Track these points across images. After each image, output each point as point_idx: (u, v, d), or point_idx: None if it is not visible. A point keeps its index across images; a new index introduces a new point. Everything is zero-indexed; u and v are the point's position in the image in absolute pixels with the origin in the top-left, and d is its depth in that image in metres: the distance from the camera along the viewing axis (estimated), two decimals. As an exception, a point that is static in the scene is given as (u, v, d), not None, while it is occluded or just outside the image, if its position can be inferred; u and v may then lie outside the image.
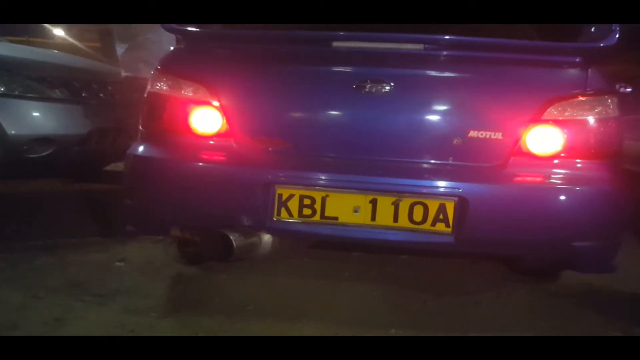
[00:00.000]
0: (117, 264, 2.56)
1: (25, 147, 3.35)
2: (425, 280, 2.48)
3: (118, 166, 4.54)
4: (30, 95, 3.38)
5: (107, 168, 4.83)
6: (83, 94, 3.72)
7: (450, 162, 1.91)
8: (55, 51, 4.81)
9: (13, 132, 3.23)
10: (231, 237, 1.91)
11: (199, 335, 1.84)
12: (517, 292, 2.42)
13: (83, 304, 2.09)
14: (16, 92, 3.34)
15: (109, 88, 4.00)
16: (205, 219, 2.01)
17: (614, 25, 1.91)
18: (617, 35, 1.89)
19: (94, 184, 4.49)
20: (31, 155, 3.39)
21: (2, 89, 3.25)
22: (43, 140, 3.41)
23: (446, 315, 2.14)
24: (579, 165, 1.88)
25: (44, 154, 3.42)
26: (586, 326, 2.10)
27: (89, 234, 3.02)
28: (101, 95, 3.89)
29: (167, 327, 1.92)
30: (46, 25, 5.88)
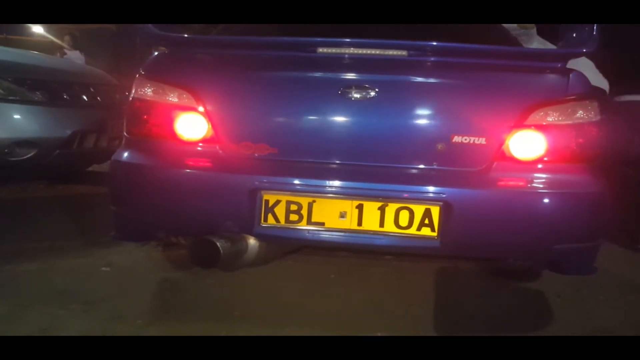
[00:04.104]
0: (103, 269, 2.54)
1: (6, 150, 3.32)
2: (410, 282, 2.49)
3: (101, 167, 4.52)
4: (10, 98, 3.34)
5: (90, 169, 4.79)
6: (64, 96, 3.69)
7: (434, 167, 1.93)
8: (36, 52, 4.75)
9: (-6, 135, 3.21)
10: (218, 244, 1.90)
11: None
12: (501, 292, 2.46)
13: (68, 312, 2.07)
14: (-4, 95, 3.31)
15: (91, 89, 3.97)
16: (191, 226, 2.00)
17: (594, 30, 1.93)
18: (598, 40, 1.92)
19: (77, 185, 4.45)
20: (13, 159, 3.36)
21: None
22: (24, 144, 3.38)
23: (431, 318, 2.16)
24: (561, 169, 1.90)
25: (25, 157, 3.39)
26: (569, 325, 2.13)
27: (74, 238, 2.99)
28: (83, 96, 3.86)
29: (153, 335, 1.90)
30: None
